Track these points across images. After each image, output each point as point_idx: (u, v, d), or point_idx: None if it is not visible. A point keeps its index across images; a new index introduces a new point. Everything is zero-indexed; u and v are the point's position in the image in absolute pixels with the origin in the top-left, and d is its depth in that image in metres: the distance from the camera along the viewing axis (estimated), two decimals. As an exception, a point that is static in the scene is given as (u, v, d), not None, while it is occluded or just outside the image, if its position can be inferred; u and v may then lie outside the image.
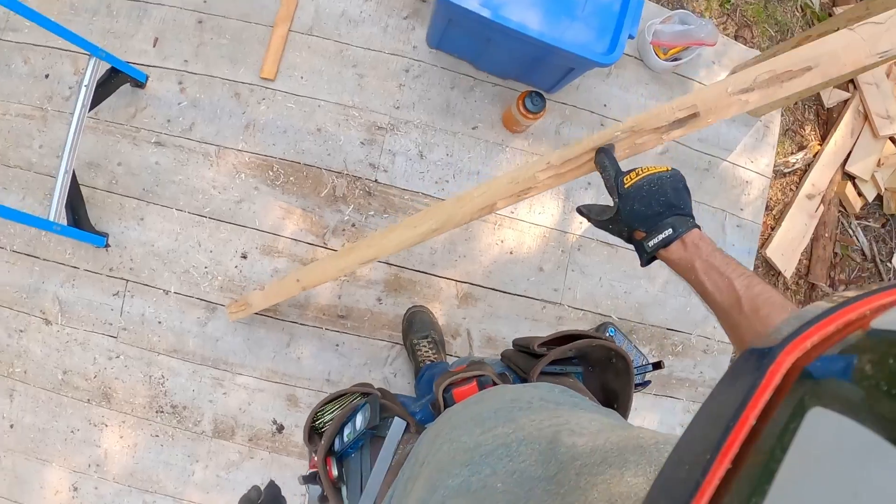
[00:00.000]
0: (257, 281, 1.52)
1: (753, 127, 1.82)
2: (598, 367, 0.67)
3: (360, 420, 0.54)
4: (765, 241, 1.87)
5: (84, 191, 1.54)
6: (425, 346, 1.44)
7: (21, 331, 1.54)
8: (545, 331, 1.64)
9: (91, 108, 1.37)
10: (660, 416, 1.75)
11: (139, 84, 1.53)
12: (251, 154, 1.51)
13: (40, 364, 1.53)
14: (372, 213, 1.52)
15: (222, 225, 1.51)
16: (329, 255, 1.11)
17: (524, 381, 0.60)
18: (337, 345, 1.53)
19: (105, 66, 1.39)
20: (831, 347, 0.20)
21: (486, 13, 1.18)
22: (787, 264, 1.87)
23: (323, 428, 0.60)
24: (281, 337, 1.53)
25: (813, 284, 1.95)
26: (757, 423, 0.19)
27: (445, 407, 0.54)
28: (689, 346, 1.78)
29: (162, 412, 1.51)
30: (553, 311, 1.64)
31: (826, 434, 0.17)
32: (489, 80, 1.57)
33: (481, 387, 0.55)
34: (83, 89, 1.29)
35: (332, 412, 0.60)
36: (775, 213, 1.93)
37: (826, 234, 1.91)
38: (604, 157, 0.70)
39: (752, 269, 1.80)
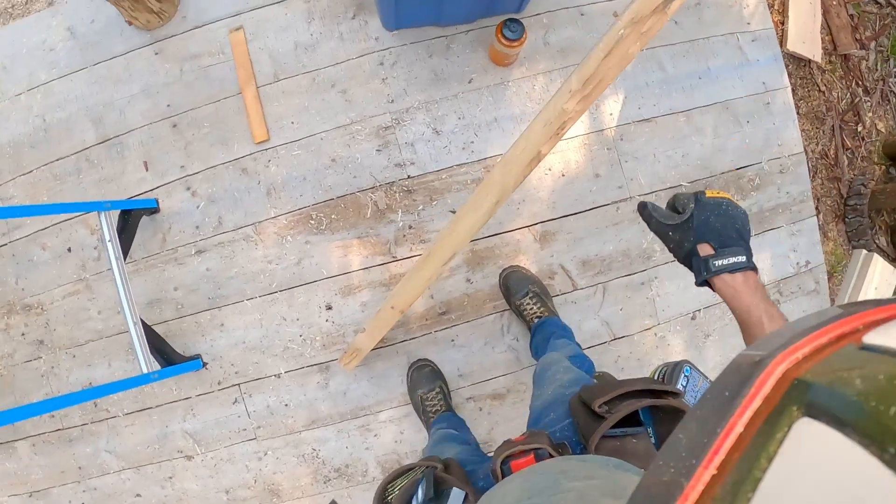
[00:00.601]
0: (352, 323, 1.48)
1: (714, -58, 1.72)
2: (670, 416, 0.61)
3: (420, 493, 0.56)
4: (781, 40, 1.77)
5: (158, 328, 1.52)
6: (529, 303, 1.39)
7: (170, 477, 1.54)
8: (629, 231, 1.58)
9: (125, 255, 1.35)
10: (770, 251, 1.68)
11: (154, 211, 1.50)
12: (286, 215, 1.47)
13: (202, 497, 1.52)
14: (421, 207, 1.47)
15: (295, 291, 1.48)
16: (410, 271, 1.07)
17: (584, 447, 0.57)
18: (452, 340, 1.49)
19: (116, 213, 1.37)
20: (823, 360, 0.19)
21: None
22: (812, 49, 1.77)
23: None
24: (400, 360, 1.49)
25: (845, 56, 1.85)
26: (744, 430, 0.19)
27: (503, 477, 0.54)
28: (765, 174, 1.70)
29: (329, 480, 1.50)
30: (627, 208, 1.57)
31: (813, 446, 0.17)
32: (460, 31, 1.50)
33: (538, 459, 0.53)
34: (108, 245, 1.26)
35: (400, 486, 0.61)
36: (777, 8, 1.83)
37: (834, 2, 1.81)
38: (647, 210, 0.66)
39: (783, 68, 1.72)
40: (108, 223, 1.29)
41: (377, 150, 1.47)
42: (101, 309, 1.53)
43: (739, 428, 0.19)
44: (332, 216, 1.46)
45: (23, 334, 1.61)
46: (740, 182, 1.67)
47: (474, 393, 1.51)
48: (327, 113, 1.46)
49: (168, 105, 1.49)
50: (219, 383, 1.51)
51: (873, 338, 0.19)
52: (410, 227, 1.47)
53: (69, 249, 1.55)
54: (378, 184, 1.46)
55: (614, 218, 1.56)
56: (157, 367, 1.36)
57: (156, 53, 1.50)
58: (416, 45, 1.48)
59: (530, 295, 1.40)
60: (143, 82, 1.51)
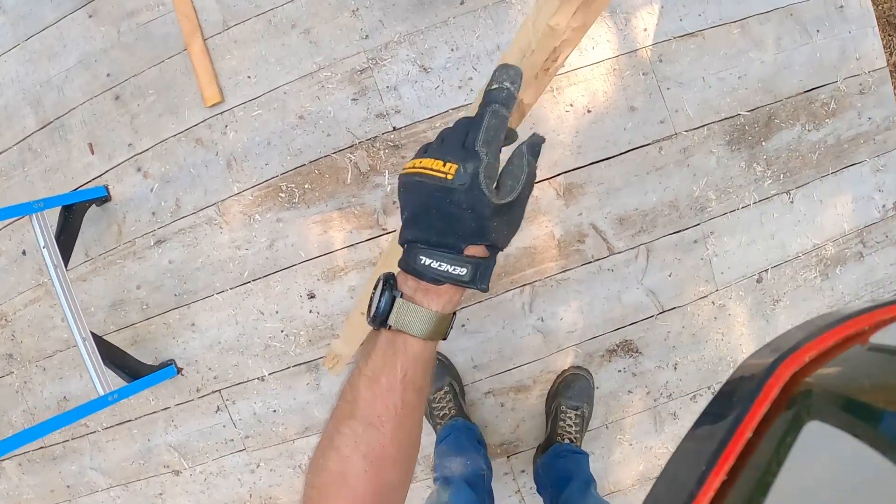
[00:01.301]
0: (340, 312, 1.21)
1: None
2: None
3: None
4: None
5: (125, 333, 1.30)
6: (572, 419, 1.11)
7: (160, 494, 1.34)
8: (676, 176, 1.23)
9: (67, 258, 1.12)
10: (850, 192, 1.29)
11: (105, 199, 1.27)
12: (251, 189, 1.20)
13: (196, 519, 1.32)
14: (411, 166, 1.18)
15: (270, 279, 1.22)
16: (376, 267, 0.78)
17: None
18: (462, 324, 1.20)
19: (55, 212, 1.15)
20: (830, 362, 0.19)
21: None
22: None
23: None
24: (403, 357, 1.22)
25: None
26: (753, 435, 0.18)
27: None
28: (842, 96, 1.30)
29: (338, 503, 1.26)
30: (673, 147, 1.23)
31: (823, 448, 0.17)
32: (441, -61, 1.18)
33: None
34: (44, 252, 1.02)
35: None
36: None
37: None
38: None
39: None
40: (40, 226, 1.05)
41: (353, 100, 1.17)
42: (63, 316, 1.32)
43: (749, 433, 0.18)
44: (306, 186, 1.18)
45: (-7, 349, 1.43)
46: (812, 107, 1.29)
47: (493, 386, 1.23)
48: (289, 60, 1.17)
49: (108, 74, 1.24)
50: (197, 390, 1.28)
51: (880, 338, 0.19)
52: (401, 192, 1.18)
53: (24, 252, 1.34)
54: (357, 141, 1.17)
55: (656, 161, 1.22)
56: (120, 383, 1.14)
57: (90, 16, 1.25)
58: (391, -37, 1.17)
59: (579, 412, 1.12)
60: (79, 52, 1.26)
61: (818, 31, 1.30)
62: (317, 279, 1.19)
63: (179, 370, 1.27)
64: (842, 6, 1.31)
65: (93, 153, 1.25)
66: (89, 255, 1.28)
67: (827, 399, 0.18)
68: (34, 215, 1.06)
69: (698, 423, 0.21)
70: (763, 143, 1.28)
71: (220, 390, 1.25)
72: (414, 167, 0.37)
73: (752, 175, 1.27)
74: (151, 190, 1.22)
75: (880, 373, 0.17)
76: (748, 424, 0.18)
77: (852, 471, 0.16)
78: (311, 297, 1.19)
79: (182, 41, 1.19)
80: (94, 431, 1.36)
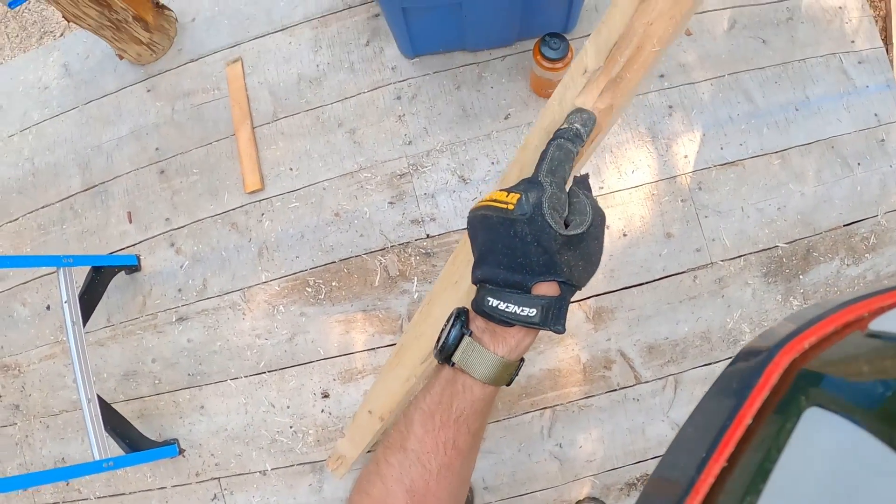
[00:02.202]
0: (352, 415, 1.15)
1: (814, -56, 1.33)
2: None
3: None
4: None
5: (133, 405, 1.25)
6: None
7: (142, 583, 1.25)
8: (709, 307, 1.17)
9: (87, 318, 1.09)
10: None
11: (134, 269, 1.25)
12: (279, 280, 1.17)
13: None
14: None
15: (286, 372, 1.17)
16: (383, 368, 0.73)
17: None
18: (479, 445, 1.13)
19: (83, 270, 1.13)
20: (830, 348, 0.19)
21: None
22: (949, 74, 1.33)
23: None
24: (411, 466, 1.14)
25: None
26: (753, 422, 0.18)
27: None
28: (882, 231, 1.24)
29: None
30: (708, 276, 1.17)
31: (822, 434, 0.16)
32: (494, 56, 1.17)
33: None
34: (65, 307, 1.00)
35: None
36: (880, 34, 1.40)
37: (980, 14, 1.35)
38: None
39: None
40: (66, 281, 1.03)
41: (390, 203, 1.14)
42: (75, 377, 1.28)
43: (748, 420, 0.18)
44: (333, 283, 1.14)
45: (0, 396, 1.39)
46: (851, 241, 1.23)
47: (504, 511, 1.13)
48: (332, 158, 1.16)
49: (157, 148, 1.24)
50: (196, 475, 1.20)
51: (879, 324, 0.19)
52: (428, 299, 1.13)
53: (48, 307, 1.32)
54: (390, 244, 1.13)
55: (690, 290, 1.16)
56: (118, 453, 1.08)
57: (148, 91, 1.27)
58: (441, 74, 1.17)
59: None
60: (132, 123, 1.27)
61: (859, 164, 1.26)
62: (333, 379, 1.13)
63: (182, 451, 1.20)
64: (883, 140, 1.28)
65: (130, 222, 1.24)
66: (111, 322, 1.25)
67: (826, 385, 0.17)
68: (62, 269, 1.04)
69: (699, 410, 0.20)
70: (800, 277, 1.21)
71: (219, 478, 1.18)
72: (482, 202, 0.35)
73: (789, 309, 1.20)
74: (181, 267, 1.20)
75: (879, 359, 0.17)
76: (748, 411, 0.18)
77: (852, 456, 0.15)
78: (325, 396, 1.13)
79: (232, 126, 1.19)
80: (86, 499, 1.29)
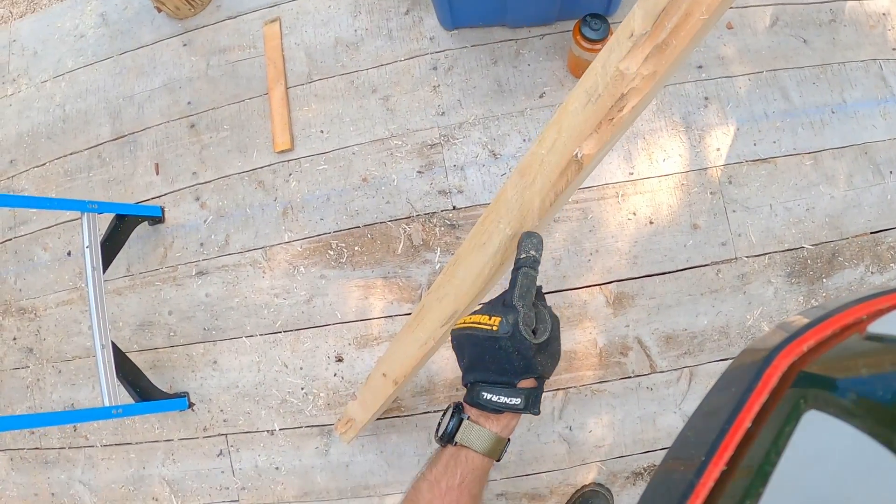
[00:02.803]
0: (364, 381, 1.16)
1: (865, -54, 1.31)
2: None
3: None
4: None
5: (147, 355, 1.26)
6: None
7: (141, 532, 1.27)
8: (730, 302, 1.16)
9: (108, 265, 1.10)
10: None
11: (158, 220, 1.26)
12: (301, 241, 1.17)
13: (174, 566, 1.23)
14: (464, 247, 1.14)
15: (301, 333, 1.17)
16: (401, 330, 0.73)
17: None
18: (488, 421, 1.13)
19: (107, 218, 1.14)
20: (828, 351, 0.19)
21: None
22: None
23: None
24: (419, 436, 1.14)
25: None
26: (752, 425, 0.18)
27: None
28: None
29: (321, 575, 1.15)
30: (731, 271, 1.16)
31: (821, 437, 0.16)
32: (533, 34, 1.17)
33: None
34: (86, 252, 1.01)
35: None
36: None
37: None
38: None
39: None
40: (89, 226, 1.04)
41: (418, 172, 1.14)
42: (90, 324, 1.29)
43: (748, 423, 0.18)
44: (356, 248, 1.14)
45: (14, 339, 1.40)
46: (878, 249, 1.22)
47: (507, 489, 1.13)
48: (364, 123, 1.16)
49: (189, 102, 1.25)
50: (204, 429, 1.21)
51: (878, 327, 0.18)
52: (449, 271, 1.13)
53: (69, 253, 1.33)
54: (415, 214, 1.13)
55: (713, 283, 1.15)
56: (128, 401, 1.09)
57: (184, 45, 1.28)
58: (479, 48, 1.16)
59: None
60: (166, 75, 1.28)
61: (891, 172, 1.24)
62: (348, 343, 1.13)
63: (191, 404, 1.21)
64: None
65: (157, 174, 1.25)
66: (130, 271, 1.26)
67: (825, 388, 0.17)
68: (86, 214, 1.05)
69: (699, 412, 0.20)
70: (824, 280, 1.20)
71: (226, 434, 1.19)
72: (464, 322, 0.45)
73: (809, 312, 1.19)
74: (205, 221, 1.20)
75: (878, 362, 0.17)
76: (747, 414, 0.18)
77: (851, 459, 0.15)
78: (339, 360, 1.13)
79: (265, 85, 1.20)
80: (93, 446, 1.30)
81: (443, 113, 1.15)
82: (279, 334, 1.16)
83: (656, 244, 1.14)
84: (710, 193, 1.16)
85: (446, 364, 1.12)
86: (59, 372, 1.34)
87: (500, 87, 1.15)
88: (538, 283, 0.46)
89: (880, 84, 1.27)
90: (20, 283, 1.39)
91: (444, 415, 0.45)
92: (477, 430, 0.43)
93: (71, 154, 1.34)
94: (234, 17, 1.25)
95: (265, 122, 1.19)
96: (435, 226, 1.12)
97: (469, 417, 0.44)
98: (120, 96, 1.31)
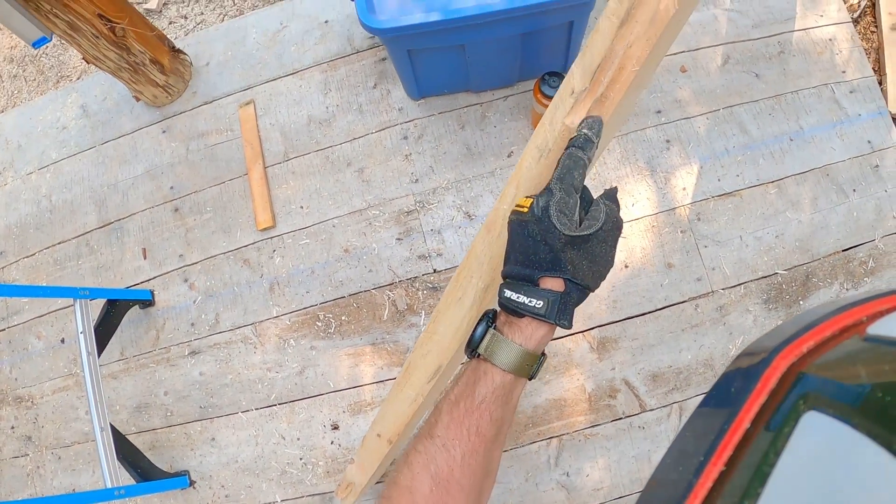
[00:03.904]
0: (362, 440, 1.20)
1: (801, -19, 1.42)
2: None
3: None
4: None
5: (145, 436, 1.30)
6: None
7: None
8: (711, 335, 1.22)
9: (102, 349, 1.16)
10: None
11: (148, 303, 1.32)
12: (290, 315, 1.23)
13: None
14: (447, 307, 1.20)
15: (296, 405, 1.22)
16: (391, 390, 0.78)
17: None
18: (487, 476, 1.17)
19: (99, 304, 1.20)
20: (827, 352, 0.19)
21: (435, 16, 0.89)
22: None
23: None
24: (420, 498, 1.18)
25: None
26: (751, 425, 0.18)
27: None
28: (880, 255, 1.30)
29: None
30: (709, 304, 1.23)
31: (820, 439, 0.17)
32: (497, 97, 1.25)
33: None
34: (80, 337, 1.07)
35: None
36: (872, 66, 1.48)
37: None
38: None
39: (891, 123, 1.35)
40: (82, 313, 1.10)
41: (397, 239, 1.22)
42: (87, 409, 1.34)
43: (746, 424, 0.18)
44: (343, 318, 1.20)
45: (12, 427, 1.44)
46: (850, 266, 1.29)
47: (513, 542, 1.17)
48: (341, 196, 1.23)
49: (171, 187, 1.32)
50: (208, 508, 1.25)
51: (877, 328, 0.19)
52: (435, 332, 1.19)
53: (62, 341, 1.39)
54: (398, 279, 1.20)
55: (692, 318, 1.22)
56: (130, 482, 1.13)
57: (163, 132, 1.36)
58: (446, 115, 1.25)
59: None
60: (148, 162, 1.36)
61: (854, 190, 1.32)
62: (342, 411, 1.18)
63: (192, 482, 1.25)
64: (877, 165, 1.34)
65: (145, 258, 1.31)
66: (124, 355, 1.31)
67: (824, 389, 0.18)
68: (79, 301, 1.10)
69: (697, 414, 0.20)
70: (801, 302, 1.26)
71: (230, 511, 1.22)
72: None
73: (790, 336, 1.25)
74: (194, 302, 1.26)
75: (877, 363, 0.17)
76: (746, 414, 0.18)
77: (850, 460, 0.15)
78: (335, 428, 1.18)
79: (244, 166, 1.27)
80: (97, 533, 1.32)
81: (416, 180, 1.22)
82: (274, 407, 1.21)
83: (633, 287, 1.21)
84: (681, 232, 1.24)
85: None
86: (59, 458, 1.38)
87: (469, 151, 1.23)
88: (615, 186, 0.41)
89: (834, 107, 1.37)
90: (16, 372, 1.43)
91: (479, 320, 0.40)
92: (500, 341, 0.38)
93: (60, 243, 1.41)
94: (210, 103, 1.33)
95: (246, 201, 1.27)
96: (418, 290, 1.19)
97: (496, 327, 0.39)
98: (104, 185, 1.39)
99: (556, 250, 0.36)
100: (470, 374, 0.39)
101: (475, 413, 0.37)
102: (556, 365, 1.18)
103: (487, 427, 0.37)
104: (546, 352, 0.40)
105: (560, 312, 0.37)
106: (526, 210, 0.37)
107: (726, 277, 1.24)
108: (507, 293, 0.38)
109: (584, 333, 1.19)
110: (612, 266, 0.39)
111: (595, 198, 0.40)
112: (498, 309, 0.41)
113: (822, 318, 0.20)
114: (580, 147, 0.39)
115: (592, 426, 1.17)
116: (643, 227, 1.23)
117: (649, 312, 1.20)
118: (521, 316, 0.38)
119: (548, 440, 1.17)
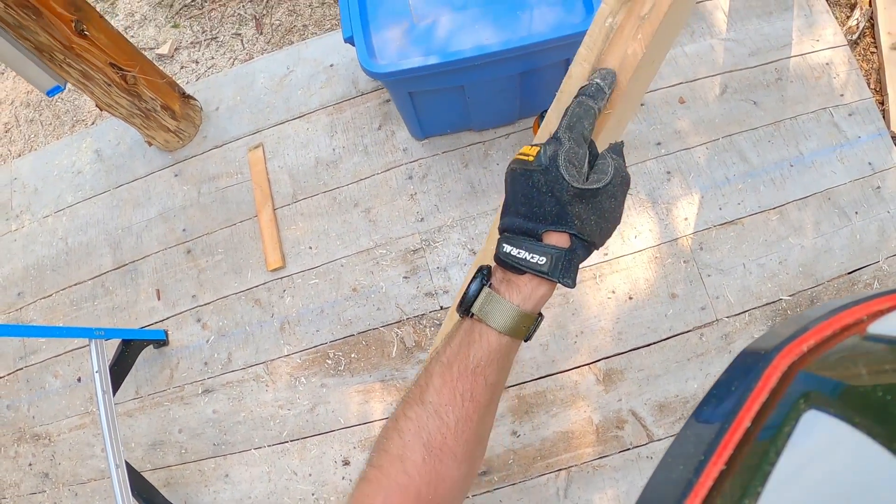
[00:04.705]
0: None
1: (794, 6, 1.48)
2: None
3: None
4: (883, 118, 1.45)
5: (160, 473, 1.36)
6: None
7: None
8: (717, 363, 1.26)
9: (117, 388, 1.22)
10: None
11: (162, 343, 1.38)
12: (300, 353, 1.29)
13: None
14: (455, 343, 1.25)
15: (308, 441, 1.27)
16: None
17: None
18: (497, 510, 1.21)
19: (114, 343, 1.27)
20: (828, 351, 0.19)
21: (434, 59, 0.94)
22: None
23: None
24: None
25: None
26: (752, 424, 0.19)
27: None
28: (885, 276, 1.33)
29: None
30: (714, 333, 1.26)
31: (821, 438, 0.17)
32: (499, 134, 1.32)
33: None
34: (96, 377, 1.13)
35: None
36: (873, 86, 1.53)
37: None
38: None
39: (891, 144, 1.39)
40: (97, 352, 1.16)
41: (404, 278, 1.27)
42: (103, 447, 1.40)
43: (747, 423, 0.19)
44: (352, 355, 1.26)
45: (30, 465, 1.50)
46: (855, 289, 1.32)
47: (526, 577, 1.20)
48: (349, 236, 1.30)
49: (184, 229, 1.40)
50: (223, 545, 1.30)
51: (878, 328, 0.19)
52: (443, 368, 1.24)
53: (79, 380, 1.45)
54: (405, 317, 1.25)
55: (697, 347, 1.25)
56: None
57: (175, 175, 1.44)
58: (450, 154, 1.31)
59: None
60: (161, 205, 1.43)
61: (856, 213, 1.36)
62: (353, 447, 1.23)
63: (208, 521, 1.29)
64: (878, 187, 1.38)
65: (159, 299, 1.38)
66: (139, 394, 1.37)
67: (825, 389, 0.18)
68: (94, 341, 1.16)
69: (697, 413, 0.20)
70: (807, 329, 1.29)
71: (244, 549, 1.27)
72: (515, 156, 0.38)
73: (797, 363, 1.28)
74: (207, 341, 1.32)
75: (878, 362, 0.17)
76: (746, 414, 0.18)
77: (850, 460, 0.15)
78: (346, 464, 1.23)
79: (254, 208, 1.34)
80: (114, 570, 1.37)
81: (422, 219, 1.28)
82: (286, 444, 1.26)
83: (638, 318, 1.25)
84: (684, 262, 1.28)
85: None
86: (76, 495, 1.44)
87: (473, 189, 1.29)
88: (621, 140, 0.39)
89: (833, 131, 1.41)
90: (33, 410, 1.50)
91: (473, 279, 0.37)
92: (495, 301, 0.35)
93: (76, 284, 1.48)
94: (220, 146, 1.41)
95: (257, 242, 1.33)
96: (425, 327, 1.24)
97: (492, 285, 0.36)
98: (119, 227, 1.46)
99: (563, 203, 0.34)
100: (463, 335, 0.36)
101: (469, 377, 0.34)
102: (563, 398, 1.22)
103: (482, 392, 0.35)
104: (542, 313, 0.37)
105: (564, 270, 0.34)
106: (531, 159, 0.35)
107: (730, 305, 1.27)
108: (507, 248, 0.35)
109: (591, 366, 1.23)
110: (619, 223, 0.37)
111: (601, 151, 0.37)
112: (493, 265, 0.38)
113: (822, 317, 0.20)
114: (591, 96, 0.37)
115: (601, 457, 1.21)
116: (646, 258, 1.27)
117: (654, 343, 1.24)
118: (521, 273, 0.35)
119: (556, 472, 1.20)
